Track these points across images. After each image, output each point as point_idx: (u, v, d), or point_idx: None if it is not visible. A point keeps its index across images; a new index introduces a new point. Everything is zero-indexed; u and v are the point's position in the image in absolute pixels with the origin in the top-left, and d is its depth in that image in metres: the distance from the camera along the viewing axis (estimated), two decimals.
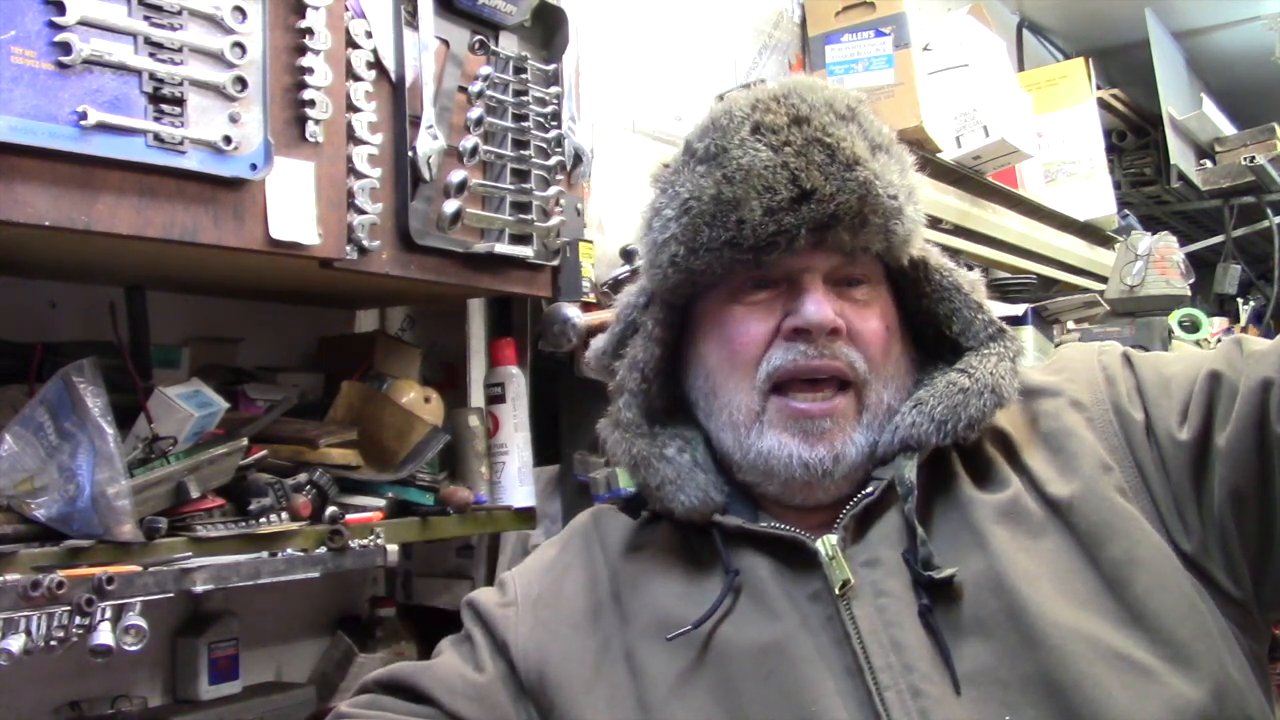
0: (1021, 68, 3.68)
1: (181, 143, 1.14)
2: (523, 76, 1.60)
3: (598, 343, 1.09)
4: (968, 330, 1.00)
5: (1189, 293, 2.95)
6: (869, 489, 0.95)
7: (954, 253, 2.92)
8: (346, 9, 1.36)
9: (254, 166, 1.20)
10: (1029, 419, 0.99)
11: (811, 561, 0.93)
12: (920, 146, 2.52)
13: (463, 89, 1.52)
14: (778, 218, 0.92)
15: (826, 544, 0.92)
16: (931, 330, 1.04)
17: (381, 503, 1.51)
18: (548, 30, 1.67)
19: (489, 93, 1.54)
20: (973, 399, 0.94)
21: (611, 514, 1.09)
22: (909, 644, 0.88)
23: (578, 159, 1.67)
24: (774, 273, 0.96)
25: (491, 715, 0.99)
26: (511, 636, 1.02)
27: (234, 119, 1.19)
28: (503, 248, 1.54)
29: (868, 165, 0.94)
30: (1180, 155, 3.85)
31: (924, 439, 0.94)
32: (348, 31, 1.35)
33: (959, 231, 2.76)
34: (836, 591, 0.91)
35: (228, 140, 1.17)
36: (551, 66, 1.65)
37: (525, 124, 1.60)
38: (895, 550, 0.92)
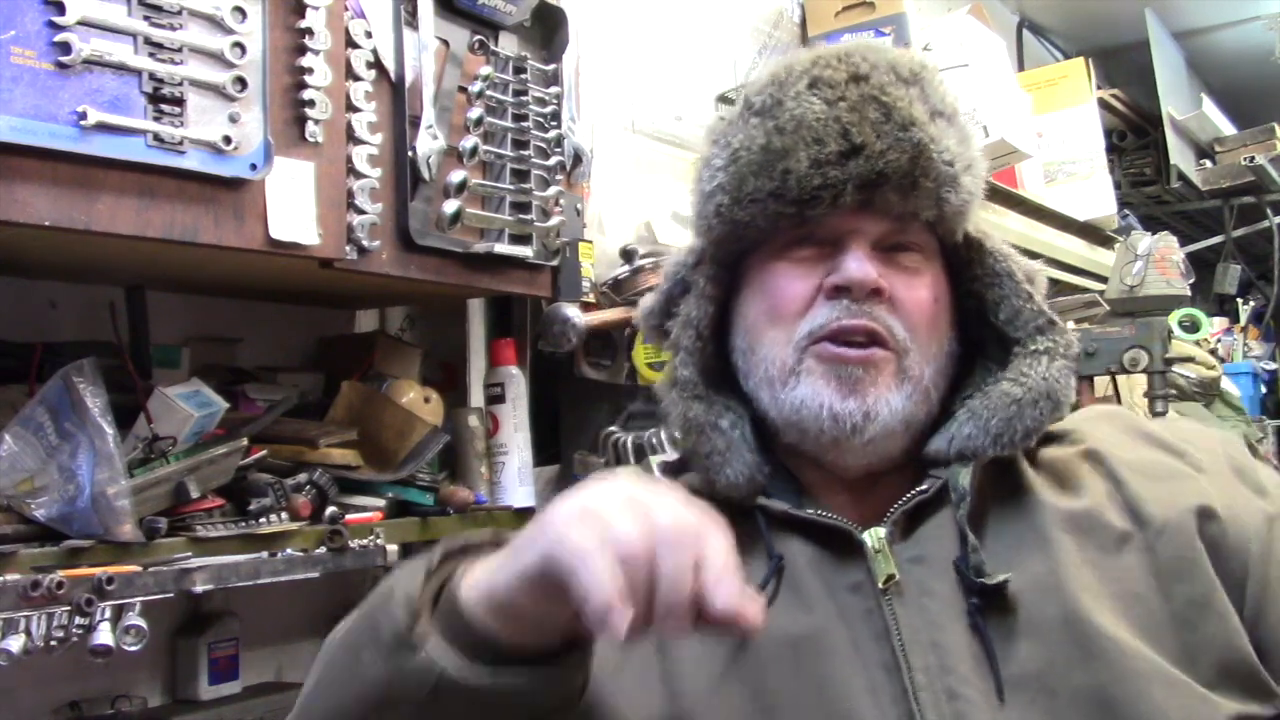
0: (1021, 68, 3.69)
1: (181, 143, 1.14)
2: (523, 76, 1.60)
3: (646, 302, 1.05)
4: (1015, 319, 0.96)
5: (1189, 293, 2.95)
6: (924, 486, 0.92)
7: None
8: (346, 9, 1.36)
9: (254, 166, 1.20)
10: (1140, 457, 0.95)
11: (856, 552, 0.90)
12: None
13: (463, 89, 1.52)
14: (824, 171, 0.89)
15: (874, 536, 0.90)
16: (977, 321, 1.00)
17: (381, 503, 1.51)
18: (548, 30, 1.67)
19: (489, 93, 1.54)
20: (1027, 409, 0.91)
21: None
22: (949, 645, 0.85)
23: (578, 159, 1.67)
24: (821, 232, 0.93)
25: None
26: None
27: (234, 119, 1.19)
28: (503, 248, 1.54)
29: (924, 128, 0.91)
30: (1180, 155, 3.85)
31: (980, 451, 0.91)
32: (348, 31, 1.35)
33: None
34: (880, 586, 0.88)
35: (228, 140, 1.17)
36: (551, 66, 1.65)
37: (525, 124, 1.60)
38: (945, 550, 0.90)
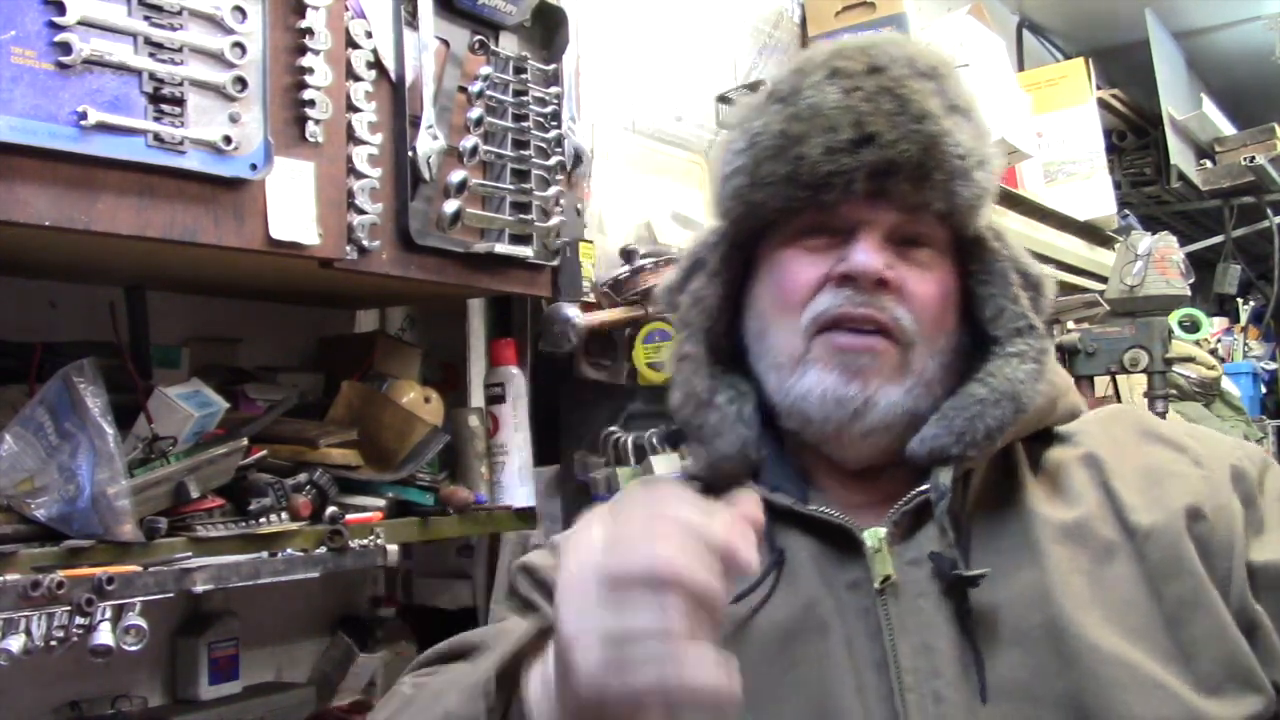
0: (1021, 68, 3.68)
1: (181, 143, 1.14)
2: (523, 76, 1.60)
3: (667, 277, 1.07)
4: (998, 318, 0.97)
5: (1189, 293, 2.95)
6: (926, 485, 0.93)
7: None
8: (346, 9, 1.36)
9: (254, 166, 1.20)
10: (1139, 460, 0.96)
11: (856, 550, 0.91)
12: None
13: (463, 89, 1.52)
14: (836, 157, 0.91)
15: (874, 536, 0.91)
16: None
17: (381, 503, 1.51)
18: (548, 30, 1.67)
19: (489, 93, 1.54)
20: (989, 409, 0.92)
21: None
22: (940, 648, 0.87)
23: (578, 159, 1.67)
24: (834, 221, 0.95)
25: None
26: None
27: (234, 119, 1.19)
28: (503, 248, 1.54)
29: (938, 121, 0.92)
30: (1180, 155, 3.85)
31: (946, 450, 0.92)
32: (348, 31, 1.35)
33: None
34: (876, 586, 0.90)
35: (228, 140, 1.17)
36: (551, 66, 1.65)
37: (525, 124, 1.60)
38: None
